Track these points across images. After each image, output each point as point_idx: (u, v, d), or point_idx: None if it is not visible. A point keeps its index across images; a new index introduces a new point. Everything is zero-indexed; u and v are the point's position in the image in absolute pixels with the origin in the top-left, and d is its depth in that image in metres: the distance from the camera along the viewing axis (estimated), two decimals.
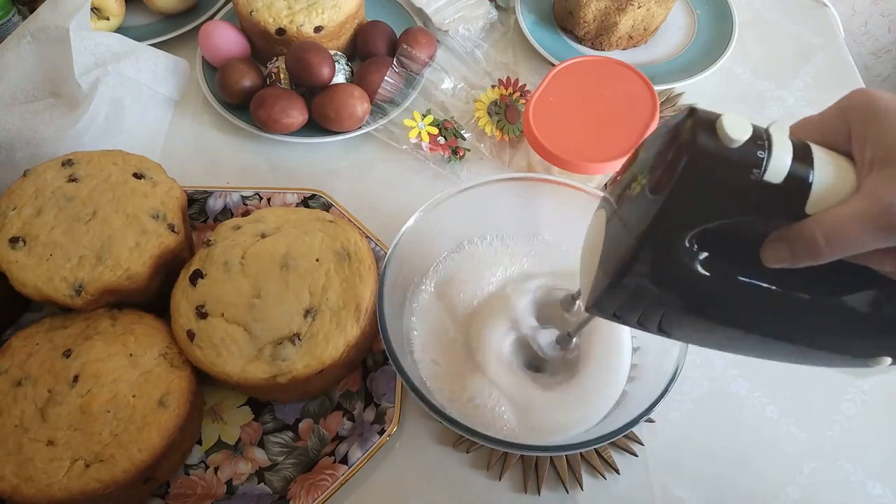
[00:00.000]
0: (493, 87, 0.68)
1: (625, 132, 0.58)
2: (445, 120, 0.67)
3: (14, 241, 0.47)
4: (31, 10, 0.75)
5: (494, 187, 0.50)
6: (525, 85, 0.68)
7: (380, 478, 0.49)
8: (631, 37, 0.75)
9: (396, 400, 0.49)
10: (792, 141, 0.27)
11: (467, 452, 0.51)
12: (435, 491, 0.49)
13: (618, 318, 0.33)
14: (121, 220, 0.49)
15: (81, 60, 0.62)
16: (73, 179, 0.50)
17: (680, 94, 0.73)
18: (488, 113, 0.67)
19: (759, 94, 0.74)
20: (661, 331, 0.33)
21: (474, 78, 0.72)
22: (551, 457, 0.50)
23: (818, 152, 0.27)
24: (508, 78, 0.68)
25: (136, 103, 0.66)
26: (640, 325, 0.33)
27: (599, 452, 0.50)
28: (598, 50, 0.77)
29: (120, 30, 0.74)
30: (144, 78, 0.67)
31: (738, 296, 0.29)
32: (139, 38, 0.70)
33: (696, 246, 0.28)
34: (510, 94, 0.67)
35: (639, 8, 0.71)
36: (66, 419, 0.43)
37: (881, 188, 0.25)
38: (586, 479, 0.50)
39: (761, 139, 0.26)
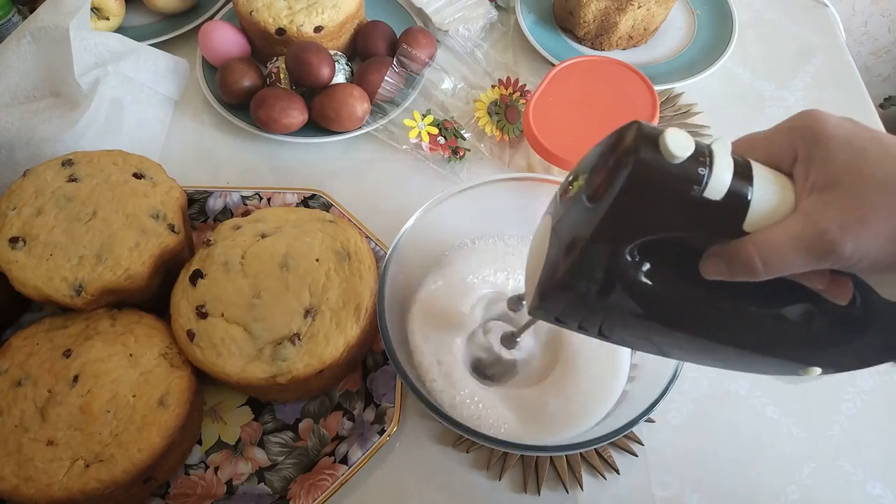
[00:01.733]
0: (493, 87, 0.68)
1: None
2: (445, 120, 0.67)
3: (14, 241, 0.47)
4: (31, 10, 0.75)
5: (494, 187, 0.50)
6: (525, 85, 0.68)
7: (380, 478, 0.49)
8: (631, 37, 0.75)
9: (396, 400, 0.49)
10: (734, 158, 0.27)
11: (467, 452, 0.51)
12: (435, 491, 0.49)
13: (559, 322, 0.34)
14: (121, 220, 0.49)
15: (81, 60, 0.62)
16: (73, 179, 0.50)
17: (680, 94, 0.73)
18: (488, 113, 0.67)
19: (759, 94, 0.74)
20: (602, 335, 0.33)
21: (474, 78, 0.72)
22: (551, 457, 0.50)
23: (759, 171, 0.27)
24: (508, 78, 0.68)
25: (136, 103, 0.66)
26: (581, 329, 0.33)
27: (599, 452, 0.50)
28: (598, 50, 0.77)
29: (120, 30, 0.74)
30: (144, 78, 0.67)
31: (678, 304, 0.30)
32: (139, 38, 0.70)
33: (637, 256, 0.28)
34: (510, 94, 0.67)
35: (639, 8, 0.71)
36: (66, 419, 0.43)
37: (819, 213, 0.25)
38: (586, 479, 0.50)
39: (703, 156, 0.26)
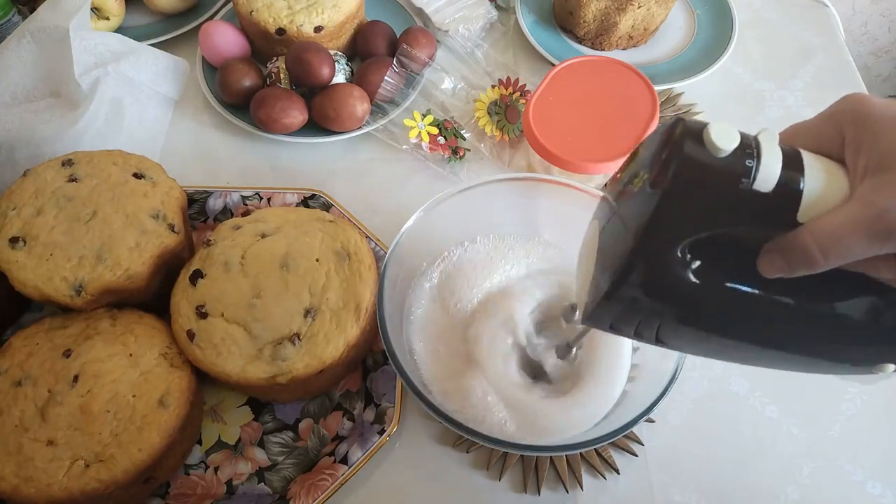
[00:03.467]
0: (493, 87, 0.68)
1: (625, 132, 0.58)
2: (445, 120, 0.67)
3: (14, 241, 0.47)
4: (31, 10, 0.75)
5: (494, 187, 0.50)
6: (525, 85, 0.68)
7: (380, 478, 0.49)
8: (631, 37, 0.75)
9: (396, 400, 0.49)
10: (781, 148, 0.26)
11: (467, 452, 0.51)
12: (435, 491, 0.49)
13: (614, 329, 0.32)
14: (121, 220, 0.49)
15: (81, 60, 0.62)
16: (73, 179, 0.50)
17: (680, 94, 0.73)
18: (488, 113, 0.67)
19: (759, 94, 0.74)
20: (659, 341, 0.32)
21: (474, 78, 0.72)
22: (551, 457, 0.50)
23: (809, 159, 0.27)
24: (508, 78, 0.68)
25: (136, 103, 0.66)
26: (637, 336, 0.32)
27: (599, 452, 0.50)
28: (598, 50, 0.77)
29: (120, 30, 0.74)
30: (144, 78, 0.67)
31: (735, 305, 0.29)
32: (139, 38, 0.70)
33: (689, 255, 0.27)
34: (510, 94, 0.67)
35: (639, 8, 0.71)
36: (66, 419, 0.43)
37: (876, 194, 0.25)
38: (586, 479, 0.50)
39: (750, 147, 0.26)
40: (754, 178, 0.25)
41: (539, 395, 0.46)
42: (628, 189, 0.29)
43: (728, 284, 0.28)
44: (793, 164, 0.26)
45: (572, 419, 0.44)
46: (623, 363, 0.47)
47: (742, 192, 0.26)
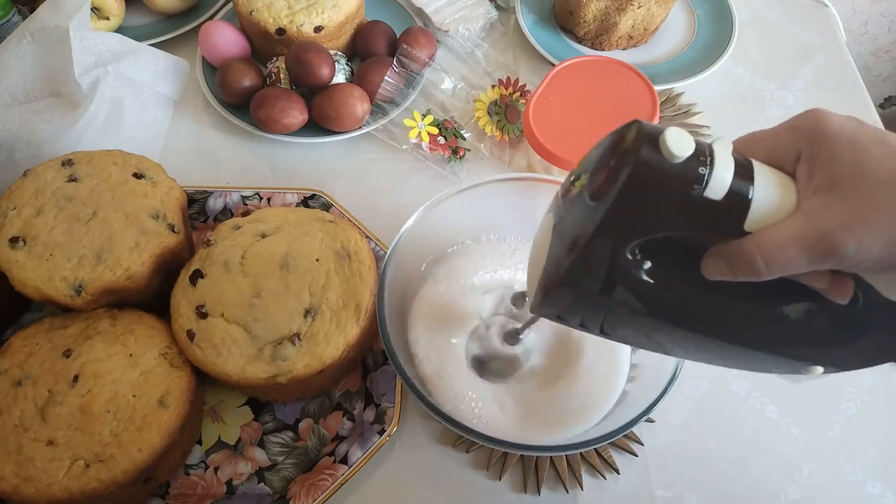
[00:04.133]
0: (493, 87, 0.68)
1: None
2: (445, 120, 0.67)
3: (14, 241, 0.47)
4: (31, 10, 0.75)
5: (494, 187, 0.50)
6: (525, 85, 0.68)
7: (380, 478, 0.49)
8: (631, 37, 0.75)
9: (396, 400, 0.49)
10: (735, 158, 0.27)
11: (467, 452, 0.51)
12: (435, 491, 0.49)
13: (560, 319, 0.34)
14: (121, 220, 0.49)
15: (81, 60, 0.62)
16: (73, 179, 0.50)
17: (680, 94, 0.73)
18: (488, 113, 0.67)
19: (759, 94, 0.74)
20: (603, 333, 0.33)
21: (474, 78, 0.72)
22: (551, 457, 0.50)
23: (761, 170, 0.27)
24: (508, 78, 0.68)
25: (136, 103, 0.66)
26: (583, 327, 0.33)
27: (599, 452, 0.50)
28: (598, 50, 0.77)
29: (120, 30, 0.74)
30: (144, 78, 0.67)
31: (679, 303, 0.30)
32: (139, 38, 0.70)
33: (638, 255, 0.28)
34: (510, 94, 0.67)
35: (639, 8, 0.71)
36: (66, 419, 0.43)
37: (821, 213, 0.25)
38: (586, 479, 0.50)
39: (704, 155, 0.26)
40: (706, 185, 0.26)
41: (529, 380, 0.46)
42: (583, 187, 0.30)
43: (673, 283, 0.30)
44: (744, 173, 0.27)
45: (569, 410, 0.45)
46: (623, 352, 0.47)
47: (693, 197, 0.26)
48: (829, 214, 0.25)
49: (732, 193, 0.26)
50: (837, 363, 0.31)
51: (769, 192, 0.27)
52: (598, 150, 0.30)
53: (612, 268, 0.29)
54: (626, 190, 0.26)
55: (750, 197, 0.27)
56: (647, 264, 0.29)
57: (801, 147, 0.27)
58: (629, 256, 0.28)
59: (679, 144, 0.26)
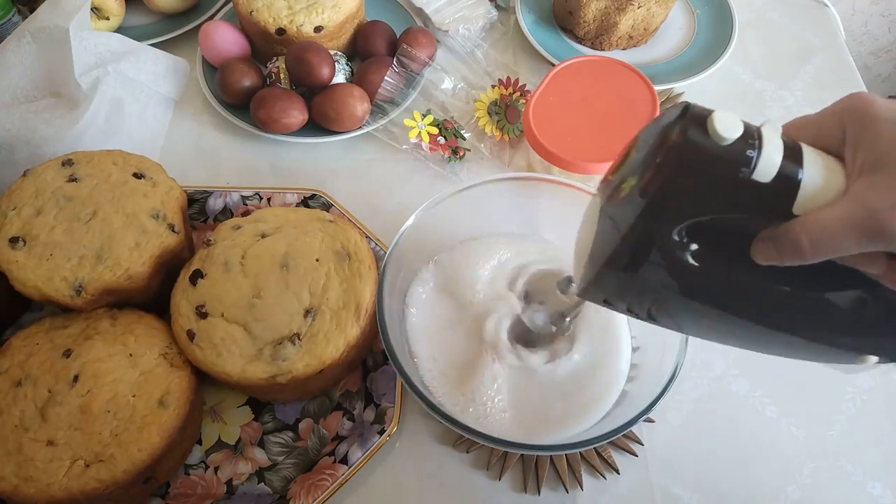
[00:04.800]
0: (493, 87, 0.68)
1: (625, 132, 0.57)
2: (445, 120, 0.67)
3: (14, 241, 0.47)
4: (31, 10, 0.75)
5: (494, 187, 0.50)
6: (525, 85, 0.68)
7: (380, 478, 0.49)
8: (631, 37, 0.75)
9: (396, 400, 0.49)
10: (783, 141, 0.27)
11: (467, 452, 0.51)
12: (435, 491, 0.49)
13: (607, 303, 0.33)
14: (121, 220, 0.49)
15: (81, 60, 0.62)
16: (73, 179, 0.50)
17: (680, 94, 0.73)
18: (488, 113, 0.67)
19: (759, 94, 0.74)
20: (651, 318, 0.33)
21: (474, 78, 0.72)
22: (551, 456, 0.50)
23: (809, 153, 0.27)
24: (508, 78, 0.68)
25: (136, 103, 0.66)
26: (630, 311, 0.33)
27: (599, 452, 0.50)
28: (598, 50, 0.77)
29: (120, 30, 0.74)
30: (144, 78, 0.67)
31: (728, 287, 0.30)
32: (139, 38, 0.70)
33: (685, 238, 0.28)
34: (510, 94, 0.67)
35: (639, 8, 0.71)
36: (66, 419, 0.43)
37: (868, 194, 0.25)
38: (586, 479, 0.50)
39: (752, 138, 0.26)
40: (754, 168, 0.26)
41: (539, 358, 0.47)
42: (628, 181, 0.30)
43: (723, 266, 0.29)
44: (793, 156, 0.27)
45: (569, 410, 0.45)
46: (623, 352, 0.47)
47: (741, 180, 0.26)
48: (875, 194, 0.25)
49: (781, 176, 0.26)
50: (893, 353, 0.31)
51: (818, 174, 0.26)
52: (645, 143, 0.30)
53: (659, 250, 0.28)
54: (675, 172, 0.26)
55: (799, 179, 0.26)
56: (697, 248, 0.28)
57: (847, 129, 0.27)
58: (678, 239, 0.28)
59: (727, 126, 0.26)
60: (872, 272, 0.28)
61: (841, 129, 0.27)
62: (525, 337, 0.48)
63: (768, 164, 0.26)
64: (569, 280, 0.44)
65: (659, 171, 0.27)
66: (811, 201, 0.26)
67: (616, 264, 0.29)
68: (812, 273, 0.28)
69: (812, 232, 0.26)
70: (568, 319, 0.45)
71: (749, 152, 0.26)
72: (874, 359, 0.31)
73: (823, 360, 0.33)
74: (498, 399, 0.45)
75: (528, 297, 0.49)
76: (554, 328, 0.46)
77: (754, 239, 0.28)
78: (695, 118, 0.27)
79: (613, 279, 0.31)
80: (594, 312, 0.48)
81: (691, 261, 0.28)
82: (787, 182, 0.26)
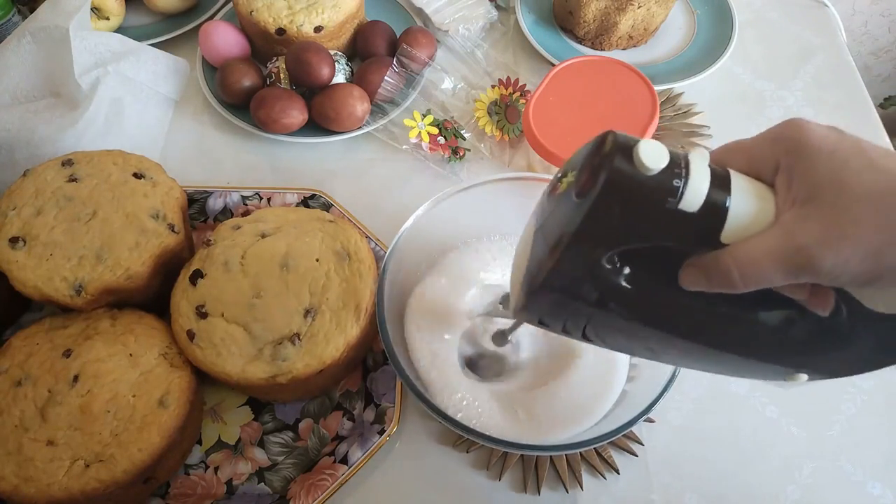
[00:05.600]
0: (493, 87, 0.68)
1: (625, 132, 0.58)
2: (445, 120, 0.67)
3: (14, 241, 0.47)
4: (31, 10, 0.75)
5: (494, 187, 0.50)
6: (525, 85, 0.68)
7: (380, 478, 0.49)
8: (631, 37, 0.75)
9: (396, 400, 0.49)
10: (711, 169, 0.27)
11: (467, 452, 0.51)
12: (435, 491, 0.49)
13: (543, 324, 0.33)
14: (121, 220, 0.49)
15: (81, 60, 0.62)
16: (73, 179, 0.50)
17: (680, 94, 0.73)
18: (488, 113, 0.67)
19: (759, 94, 0.74)
20: (586, 338, 0.33)
21: (474, 78, 0.72)
22: (551, 457, 0.50)
23: (738, 181, 0.27)
24: (508, 78, 0.68)
25: (136, 103, 0.66)
26: (566, 332, 0.33)
27: (599, 452, 0.50)
28: (598, 50, 0.77)
29: (120, 30, 0.74)
30: (144, 78, 0.67)
31: (659, 309, 0.30)
32: (139, 38, 0.70)
33: (617, 262, 0.28)
34: (510, 94, 0.67)
35: (639, 8, 0.71)
36: (66, 419, 0.43)
37: (798, 227, 0.25)
38: (586, 479, 0.50)
39: (679, 167, 0.26)
40: (681, 198, 0.26)
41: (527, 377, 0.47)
42: (567, 184, 0.30)
43: (653, 291, 0.29)
44: (720, 184, 0.27)
45: (568, 410, 0.45)
46: (622, 363, 0.47)
47: (668, 210, 0.26)
48: (806, 228, 0.25)
49: (708, 206, 0.26)
50: (823, 370, 0.31)
51: (747, 203, 0.26)
52: (583, 151, 0.30)
53: (590, 274, 0.29)
54: (603, 198, 0.26)
55: (727, 207, 0.26)
56: (627, 271, 0.29)
57: (780, 157, 0.27)
58: (607, 265, 0.28)
59: (652, 157, 0.26)
60: (797, 297, 0.28)
61: (774, 157, 0.27)
62: (471, 362, 0.48)
63: (695, 193, 0.26)
64: (507, 298, 0.44)
65: (593, 176, 0.27)
66: (740, 230, 0.26)
67: (547, 285, 0.30)
68: (740, 295, 0.28)
69: (742, 265, 0.26)
70: (510, 339, 0.45)
71: (675, 182, 0.26)
72: (804, 376, 0.31)
73: (755, 376, 0.33)
74: (490, 405, 0.45)
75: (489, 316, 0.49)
76: (497, 348, 0.46)
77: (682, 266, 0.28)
78: (621, 146, 0.27)
79: (546, 300, 0.31)
80: None
81: (623, 283, 0.29)
82: (714, 210, 0.26)
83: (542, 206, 0.34)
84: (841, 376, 0.31)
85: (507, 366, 0.48)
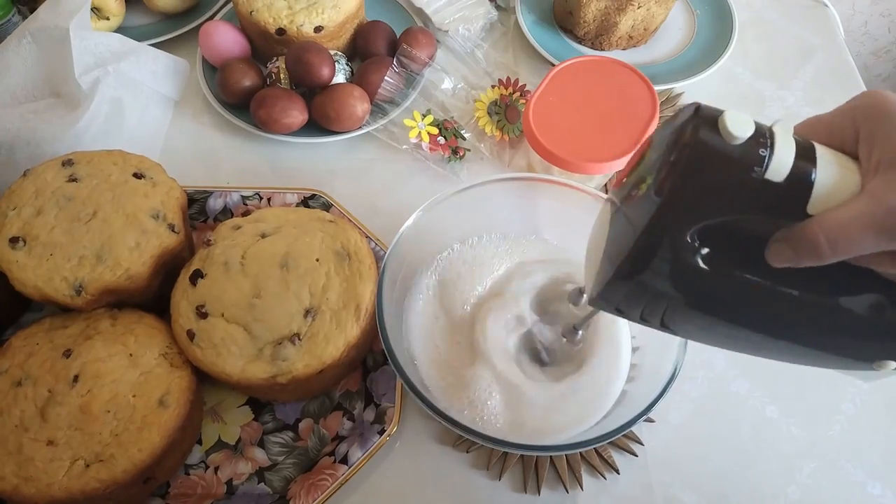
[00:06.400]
0: (493, 87, 0.68)
1: (625, 132, 0.58)
2: (445, 120, 0.67)
3: (14, 241, 0.47)
4: (31, 10, 0.75)
5: (494, 187, 0.50)
6: (525, 85, 0.68)
7: (380, 478, 0.49)
8: (631, 37, 0.75)
9: (396, 400, 0.49)
10: (795, 140, 0.26)
11: (467, 452, 0.51)
12: (435, 491, 0.49)
13: (620, 312, 0.33)
14: (121, 220, 0.49)
15: (81, 60, 0.62)
16: (73, 179, 0.50)
17: (680, 94, 0.73)
18: (488, 113, 0.67)
19: (759, 94, 0.74)
20: (664, 326, 0.32)
21: (474, 78, 0.72)
22: (551, 457, 0.50)
23: (822, 152, 0.27)
24: (508, 78, 0.68)
25: (136, 103, 0.66)
26: (643, 319, 0.32)
27: (599, 452, 0.50)
28: (598, 50, 0.77)
29: (120, 30, 0.74)
30: (144, 78, 0.67)
31: (741, 292, 0.29)
32: (139, 38, 0.70)
33: (697, 242, 0.27)
34: (510, 94, 0.67)
35: (639, 8, 0.71)
36: (66, 419, 0.43)
37: (887, 190, 0.25)
38: (586, 479, 0.50)
39: (764, 137, 0.26)
40: (767, 168, 0.26)
41: (543, 378, 0.46)
42: (646, 181, 0.29)
43: (735, 272, 0.29)
44: (806, 155, 0.26)
45: (568, 410, 0.45)
46: (622, 352, 0.47)
47: (754, 180, 0.26)
48: (894, 191, 0.24)
49: (794, 175, 0.26)
50: None
51: (832, 173, 0.26)
52: (660, 144, 0.30)
53: (672, 255, 0.28)
54: (687, 171, 0.26)
55: (812, 178, 0.26)
56: (710, 251, 0.28)
57: (860, 126, 0.26)
58: (690, 243, 0.27)
59: (738, 125, 0.25)
60: (890, 272, 0.27)
61: (854, 127, 0.27)
62: (535, 352, 0.48)
63: (780, 162, 0.26)
64: (580, 291, 0.44)
65: (672, 170, 0.27)
66: (826, 201, 0.26)
67: (631, 266, 0.29)
68: (828, 277, 0.27)
69: (829, 231, 0.25)
70: (580, 333, 0.44)
71: (761, 151, 0.26)
72: (893, 364, 0.30)
73: (839, 366, 0.32)
74: (491, 404, 0.45)
75: (538, 310, 0.49)
76: (565, 341, 0.46)
77: (768, 241, 0.27)
78: (706, 118, 0.26)
79: (627, 283, 0.30)
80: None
81: (705, 266, 0.28)
82: (800, 181, 0.26)
83: (615, 193, 0.33)
84: None
85: (568, 356, 0.48)
